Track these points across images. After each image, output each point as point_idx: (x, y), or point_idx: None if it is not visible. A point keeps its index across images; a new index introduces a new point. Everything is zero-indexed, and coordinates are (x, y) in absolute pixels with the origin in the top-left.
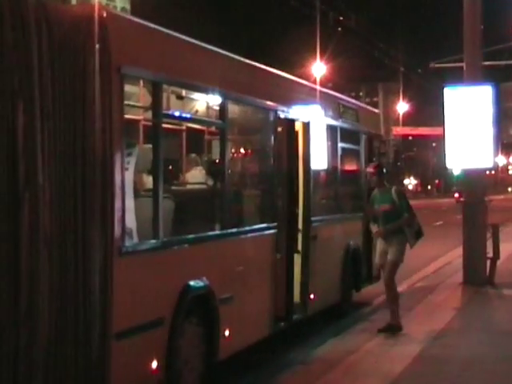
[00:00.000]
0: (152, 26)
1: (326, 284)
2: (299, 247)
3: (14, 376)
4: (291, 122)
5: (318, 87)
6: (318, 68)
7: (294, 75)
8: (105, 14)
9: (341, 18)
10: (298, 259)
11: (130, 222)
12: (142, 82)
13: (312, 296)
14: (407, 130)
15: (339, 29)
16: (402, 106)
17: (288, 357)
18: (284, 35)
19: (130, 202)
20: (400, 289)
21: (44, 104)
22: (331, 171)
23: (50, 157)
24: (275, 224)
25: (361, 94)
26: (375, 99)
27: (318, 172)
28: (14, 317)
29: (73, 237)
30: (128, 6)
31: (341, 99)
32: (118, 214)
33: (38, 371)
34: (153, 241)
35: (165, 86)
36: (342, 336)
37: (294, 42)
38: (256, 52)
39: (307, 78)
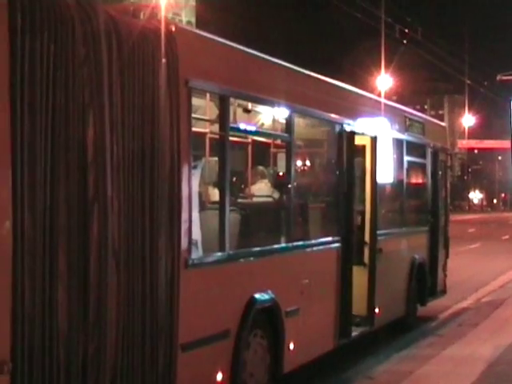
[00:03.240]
0: (219, 39)
1: (391, 298)
2: (365, 260)
3: (79, 378)
4: (357, 135)
5: (384, 100)
6: (383, 81)
7: (358, 88)
8: (173, 29)
9: (406, 31)
10: (363, 272)
11: (197, 234)
12: (208, 95)
13: (377, 310)
14: (472, 143)
15: (404, 41)
16: (468, 119)
17: (353, 370)
18: (349, 48)
19: (196, 215)
20: (466, 304)
21: (113, 117)
22: (397, 185)
23: (118, 169)
24: (339, 237)
25: (426, 106)
26: (440, 112)
27: (383, 185)
28: (83, 327)
29: (140, 249)
30: (193, 20)
31: (407, 112)
32: (184, 227)
33: (105, 382)
34: (219, 253)
35: (231, 100)
36: (407, 351)
37: (359, 55)
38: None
39: (372, 91)
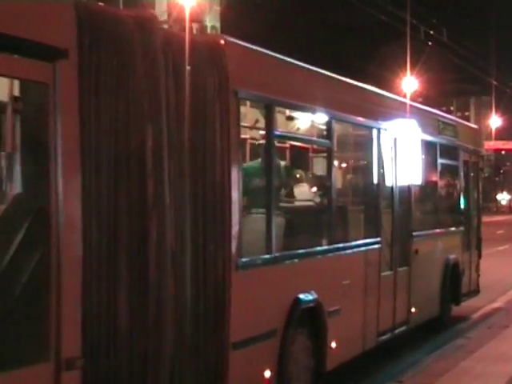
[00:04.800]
0: (264, 51)
1: (427, 298)
2: (401, 261)
3: (141, 373)
4: (393, 139)
5: (418, 105)
6: (409, 83)
7: (384, 90)
8: (223, 42)
9: (431, 32)
10: (400, 273)
11: (245, 237)
12: (255, 104)
13: (413, 309)
14: (499, 145)
15: (430, 43)
16: (495, 120)
17: (382, 374)
18: (374, 50)
19: (245, 219)
20: (495, 305)
21: (170, 127)
22: (431, 187)
23: (174, 177)
24: (379, 239)
25: (452, 108)
26: (466, 113)
27: (418, 188)
28: (144, 326)
29: (195, 252)
30: (218, 25)
31: (440, 116)
32: (234, 231)
33: (164, 376)
34: (266, 256)
35: (276, 108)
36: (436, 353)
37: (384, 58)
38: (345, 68)
39: (398, 93)
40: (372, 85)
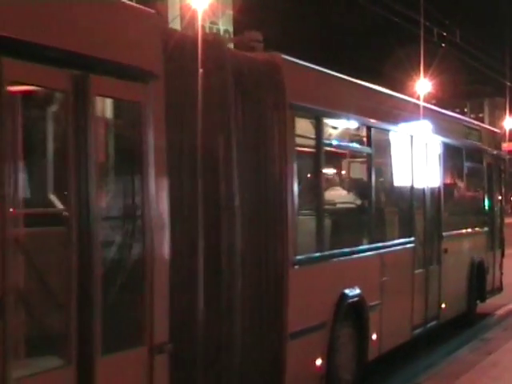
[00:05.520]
0: (314, 67)
1: (455, 294)
2: (432, 260)
3: (216, 359)
4: (424, 144)
5: (446, 112)
6: (423, 85)
7: (398, 92)
8: (280, 60)
9: (445, 34)
10: (431, 271)
11: (300, 237)
12: (306, 115)
13: (443, 305)
14: None
15: (443, 44)
16: (509, 122)
17: (399, 376)
18: (387, 52)
19: (299, 221)
20: None
21: (238, 137)
22: (458, 189)
23: (241, 183)
24: (413, 239)
25: (466, 109)
26: (480, 115)
27: (447, 190)
28: (218, 317)
29: (257, 250)
30: (231, 28)
31: (466, 121)
32: (291, 231)
33: (235, 362)
34: (317, 254)
35: (324, 118)
36: (453, 356)
37: (398, 59)
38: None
39: (411, 95)
40: (386, 87)
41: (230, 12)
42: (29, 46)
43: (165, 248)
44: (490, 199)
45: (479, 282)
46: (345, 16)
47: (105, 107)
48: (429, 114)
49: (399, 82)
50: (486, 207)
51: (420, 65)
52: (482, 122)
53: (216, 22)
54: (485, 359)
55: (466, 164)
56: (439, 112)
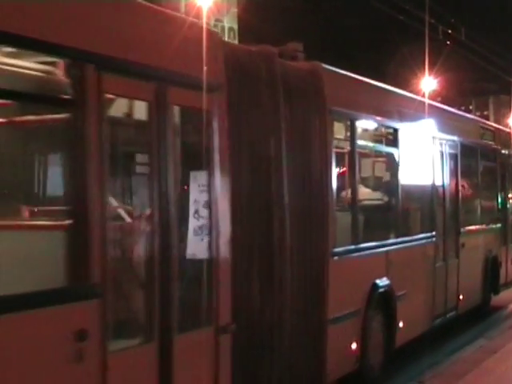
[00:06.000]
0: (349, 74)
1: (471, 287)
2: (451, 254)
3: (271, 349)
4: (445, 145)
5: (464, 114)
6: (428, 83)
7: (403, 89)
8: (320, 69)
9: (450, 32)
10: (450, 264)
11: (338, 231)
12: (342, 119)
13: (461, 297)
14: None
15: (448, 42)
16: None
17: (402, 374)
18: (392, 50)
19: (337, 215)
20: None
21: (287, 140)
22: (474, 187)
23: (289, 182)
24: (434, 233)
25: (471, 107)
26: (485, 113)
27: (464, 189)
28: (271, 300)
29: (303, 243)
30: (235, 26)
31: (482, 123)
32: (331, 225)
33: (285, 345)
34: (352, 246)
35: (356, 121)
36: (456, 355)
37: (402, 57)
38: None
39: (416, 93)
40: (391, 84)
41: (234, 10)
42: (122, 63)
43: (228, 241)
44: (502, 197)
45: (493, 275)
46: (349, 13)
47: (179, 115)
48: (448, 116)
49: (404, 80)
50: (499, 204)
51: (425, 62)
52: (487, 119)
53: (221, 20)
54: (489, 358)
55: (481, 163)
56: (458, 114)
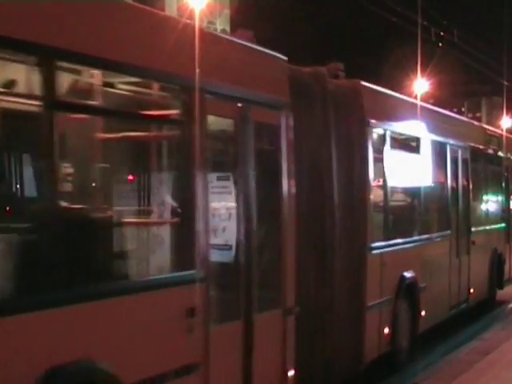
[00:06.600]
0: (383, 90)
1: (480, 281)
2: (463, 250)
3: (323, 331)
4: (458, 151)
5: (475, 122)
6: (420, 84)
7: (395, 91)
8: (359, 86)
9: (442, 34)
10: (462, 259)
11: (373, 227)
12: (377, 130)
13: (472, 290)
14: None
15: (440, 44)
16: (506, 121)
17: (398, 376)
18: (385, 52)
19: (372, 215)
20: None
21: (335, 149)
22: (482, 190)
23: (337, 186)
24: (449, 232)
25: (463, 109)
26: (478, 114)
27: (474, 191)
28: (323, 287)
29: (347, 238)
30: (228, 28)
31: (489, 130)
32: (369, 223)
33: (332, 329)
34: (384, 242)
35: (388, 132)
36: (450, 356)
37: (396, 59)
38: (357, 69)
39: (409, 95)
40: (383, 86)
41: (227, 11)
42: (219, 88)
43: (293, 238)
44: (507, 198)
45: (498, 271)
46: (342, 15)
47: (256, 130)
48: (460, 124)
49: (397, 82)
50: (504, 205)
51: (417, 64)
52: (480, 121)
53: (213, 22)
54: (482, 359)
55: (488, 167)
56: (468, 122)
